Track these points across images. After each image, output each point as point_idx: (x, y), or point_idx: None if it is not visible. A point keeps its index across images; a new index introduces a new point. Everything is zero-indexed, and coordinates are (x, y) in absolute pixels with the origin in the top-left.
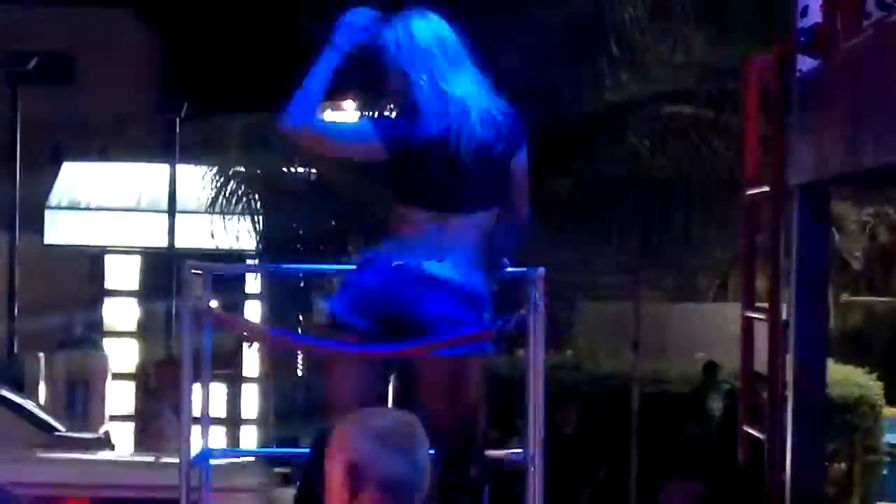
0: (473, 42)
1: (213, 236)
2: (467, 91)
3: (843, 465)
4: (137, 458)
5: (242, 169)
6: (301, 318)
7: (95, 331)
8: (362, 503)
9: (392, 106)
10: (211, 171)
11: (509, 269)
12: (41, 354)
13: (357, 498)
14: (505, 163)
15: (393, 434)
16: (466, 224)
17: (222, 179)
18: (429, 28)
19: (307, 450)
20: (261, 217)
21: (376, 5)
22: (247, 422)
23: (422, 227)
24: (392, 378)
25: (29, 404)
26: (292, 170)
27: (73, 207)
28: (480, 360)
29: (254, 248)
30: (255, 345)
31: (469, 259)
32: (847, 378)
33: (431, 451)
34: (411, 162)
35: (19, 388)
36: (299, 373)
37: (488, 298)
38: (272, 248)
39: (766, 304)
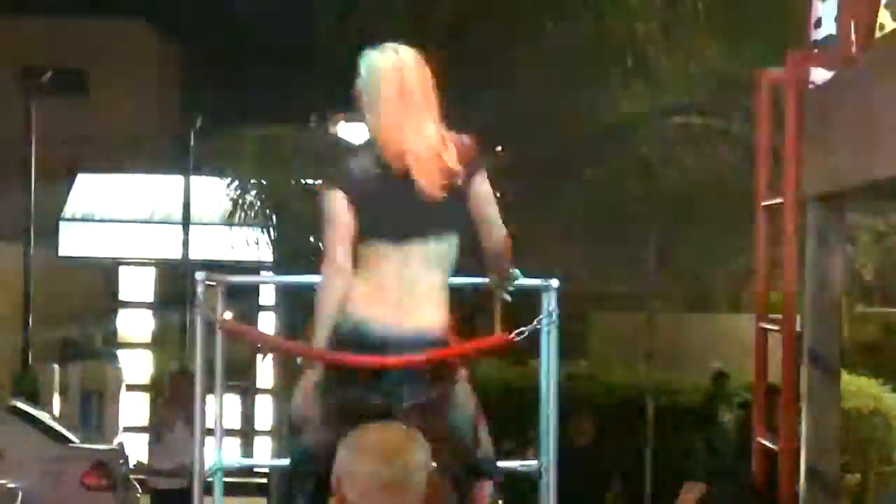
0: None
1: (232, 247)
2: (416, 125)
3: (857, 476)
4: None
5: (256, 181)
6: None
7: (110, 342)
8: None
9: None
10: (226, 182)
11: (522, 279)
12: (56, 366)
13: (346, 502)
14: (457, 193)
15: (378, 444)
16: (426, 252)
17: (238, 191)
18: (389, 61)
19: None
20: (275, 229)
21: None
22: (260, 433)
23: (384, 260)
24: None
25: (43, 415)
26: (306, 181)
27: (87, 219)
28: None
29: (268, 259)
30: (269, 356)
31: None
32: (861, 390)
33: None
34: (367, 200)
35: (34, 399)
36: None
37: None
38: (286, 259)
39: (780, 316)
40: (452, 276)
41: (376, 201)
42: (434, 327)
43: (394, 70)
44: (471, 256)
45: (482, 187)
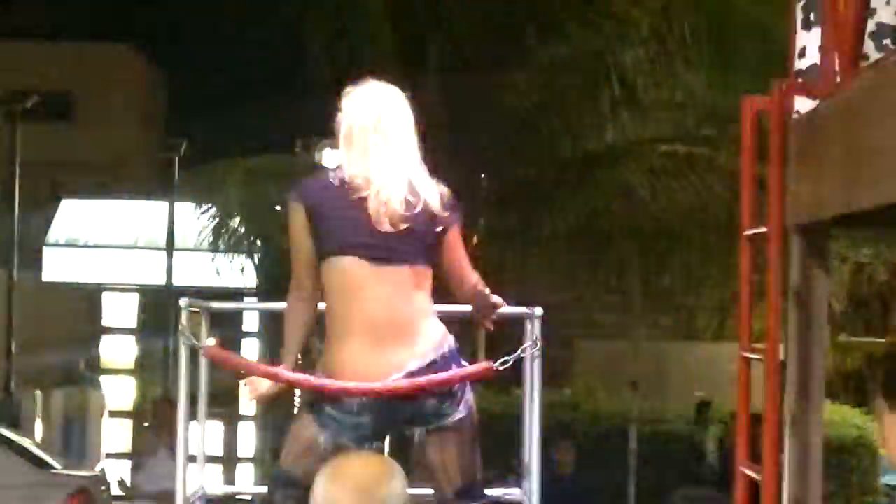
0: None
1: (218, 274)
2: (387, 159)
3: None
4: None
5: (240, 207)
6: (299, 357)
7: (92, 368)
8: None
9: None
10: (209, 209)
11: (506, 308)
12: (38, 392)
13: None
14: (427, 238)
15: (354, 475)
16: (403, 273)
17: (221, 218)
18: (370, 95)
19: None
20: (258, 255)
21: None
22: (243, 460)
23: (357, 279)
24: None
25: (25, 441)
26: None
27: (71, 244)
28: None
29: (252, 286)
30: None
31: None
32: (845, 419)
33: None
34: (325, 211)
35: (15, 425)
36: (296, 411)
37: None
38: (270, 286)
39: (763, 345)
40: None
41: (335, 214)
42: (420, 353)
43: (373, 104)
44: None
45: (457, 240)
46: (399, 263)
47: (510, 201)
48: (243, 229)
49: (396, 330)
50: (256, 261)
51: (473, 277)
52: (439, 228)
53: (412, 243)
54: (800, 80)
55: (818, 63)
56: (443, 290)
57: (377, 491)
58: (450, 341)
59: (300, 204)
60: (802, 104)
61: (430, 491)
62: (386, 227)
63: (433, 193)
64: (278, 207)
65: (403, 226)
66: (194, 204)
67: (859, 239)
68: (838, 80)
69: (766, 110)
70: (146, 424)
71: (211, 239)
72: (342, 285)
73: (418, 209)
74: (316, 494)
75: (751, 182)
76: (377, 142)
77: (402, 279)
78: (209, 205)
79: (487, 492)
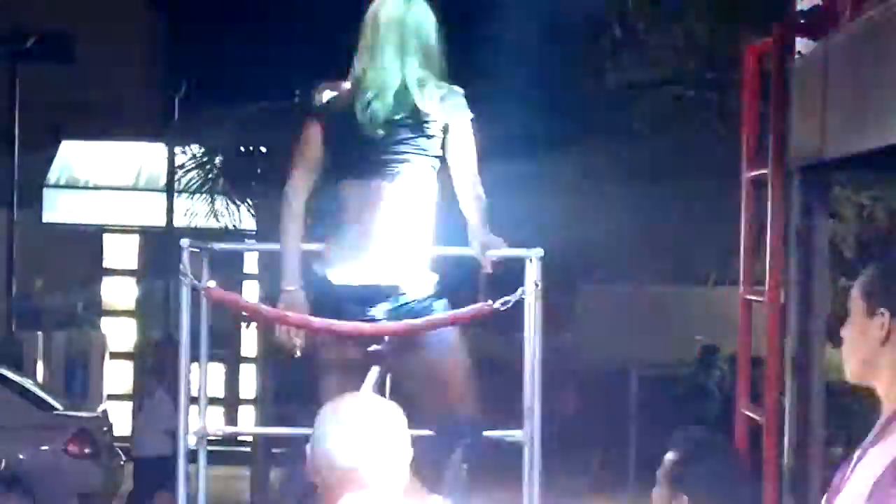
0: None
1: (216, 217)
2: (386, 63)
3: (840, 449)
4: None
5: (241, 149)
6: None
7: (93, 310)
8: (323, 483)
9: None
10: (210, 150)
11: (506, 249)
12: (39, 333)
13: (320, 476)
14: (429, 133)
15: (353, 420)
16: (395, 191)
17: (221, 159)
18: (395, 9)
19: (305, 430)
20: (258, 197)
21: None
22: (244, 402)
23: (355, 200)
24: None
25: (27, 383)
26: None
27: (71, 186)
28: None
29: (252, 228)
30: (253, 324)
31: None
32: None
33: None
34: (336, 132)
35: (17, 366)
36: (297, 352)
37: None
38: (271, 227)
39: (764, 287)
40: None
41: (347, 137)
42: (414, 277)
43: (396, 16)
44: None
45: (461, 137)
46: (392, 178)
47: (513, 145)
48: (243, 171)
49: (394, 255)
50: (256, 202)
51: (474, 190)
52: (440, 123)
53: (407, 145)
54: (801, 20)
55: (820, 3)
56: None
57: (378, 431)
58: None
59: (316, 121)
60: (804, 46)
61: (429, 432)
62: (379, 131)
63: (433, 88)
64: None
65: (396, 124)
66: (193, 146)
67: (861, 182)
68: (840, 20)
69: (767, 52)
70: (147, 367)
71: (211, 180)
72: (342, 207)
73: (413, 101)
74: (316, 436)
75: (753, 124)
76: (394, 50)
77: (402, 195)
78: (207, 147)
79: (488, 433)
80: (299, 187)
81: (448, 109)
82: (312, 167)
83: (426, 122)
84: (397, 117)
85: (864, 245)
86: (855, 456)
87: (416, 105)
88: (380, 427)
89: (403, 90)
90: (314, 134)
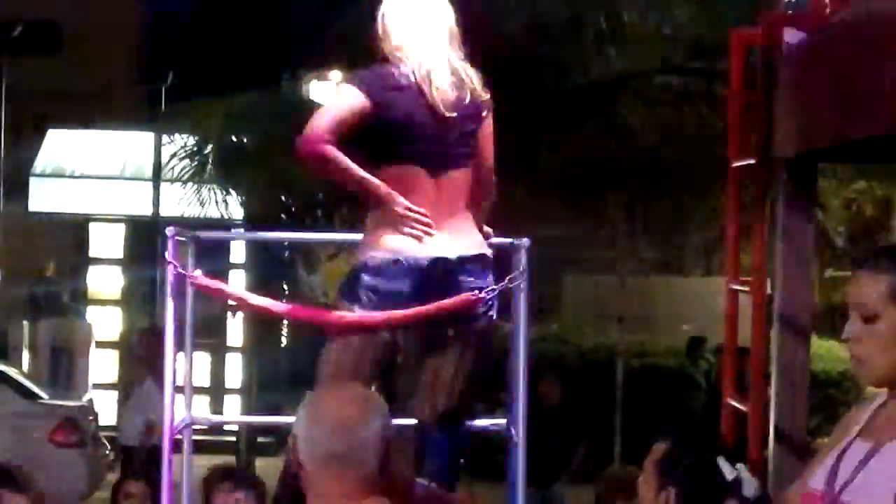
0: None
1: (202, 205)
2: (437, 51)
3: (826, 440)
4: None
5: (230, 138)
6: (286, 288)
7: (79, 299)
8: (306, 475)
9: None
10: (197, 140)
11: (493, 238)
12: (25, 322)
13: (302, 470)
14: (473, 125)
15: (333, 412)
16: (457, 181)
17: (209, 148)
18: None
19: (290, 419)
20: (246, 187)
21: None
22: (230, 391)
23: (417, 188)
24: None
25: (12, 371)
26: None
27: (57, 175)
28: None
29: (239, 217)
30: (240, 314)
31: (466, 218)
32: (830, 353)
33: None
34: (395, 113)
35: (2, 355)
36: (283, 342)
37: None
38: (258, 217)
39: (750, 278)
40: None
41: (393, 115)
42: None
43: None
44: None
45: (490, 129)
46: (455, 168)
47: (498, 133)
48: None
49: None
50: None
51: (492, 184)
52: (484, 113)
53: (464, 136)
54: (789, 11)
55: None
56: None
57: (357, 428)
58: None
59: (362, 93)
60: (791, 37)
61: (413, 421)
62: (442, 114)
63: (475, 75)
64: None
65: (454, 113)
66: (181, 134)
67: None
68: (828, 11)
69: (754, 42)
70: (133, 356)
71: (198, 169)
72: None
73: (466, 93)
74: (299, 426)
75: (739, 114)
76: (428, 32)
77: (457, 189)
78: (196, 135)
79: (475, 423)
80: (329, 134)
81: (488, 101)
82: (339, 132)
83: (480, 109)
84: (465, 101)
85: (851, 236)
86: (860, 448)
87: (472, 90)
88: (362, 417)
89: (460, 74)
90: (358, 105)
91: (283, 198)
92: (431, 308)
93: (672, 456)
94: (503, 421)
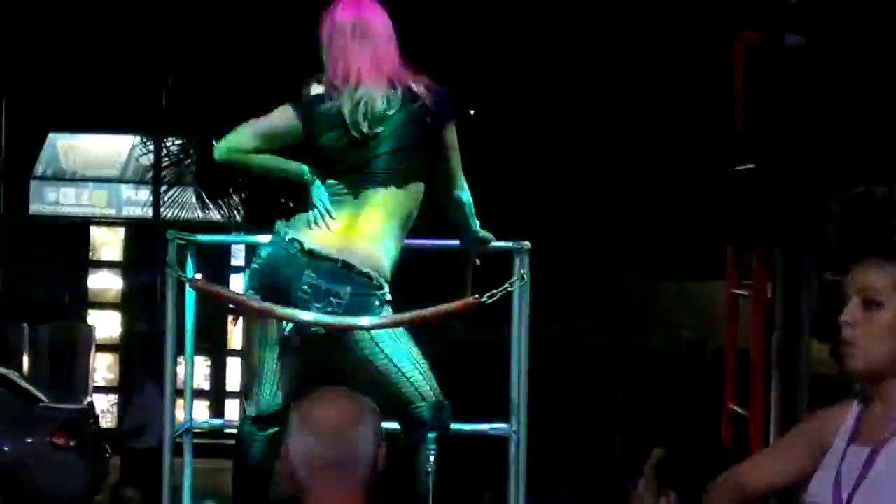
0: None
1: (203, 208)
2: (366, 70)
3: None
4: None
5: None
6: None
7: (80, 302)
8: (299, 481)
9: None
10: (197, 143)
11: (494, 242)
12: (25, 325)
13: (295, 476)
14: (420, 139)
15: (328, 419)
16: (377, 196)
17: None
18: (350, 11)
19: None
20: (246, 189)
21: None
22: (230, 394)
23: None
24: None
25: (12, 374)
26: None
27: (58, 177)
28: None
29: (239, 220)
30: (240, 319)
31: (374, 232)
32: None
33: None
34: (319, 132)
35: (3, 358)
36: None
37: (381, 272)
38: (258, 220)
39: (751, 282)
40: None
41: (328, 136)
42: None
43: (352, 17)
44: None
45: (451, 138)
46: (379, 185)
47: (500, 136)
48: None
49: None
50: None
51: (463, 195)
52: (438, 130)
53: (395, 150)
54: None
55: None
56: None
57: (352, 434)
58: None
59: (292, 109)
60: (791, 40)
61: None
62: (365, 130)
63: (432, 90)
64: None
65: (381, 128)
66: (182, 137)
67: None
68: (828, 16)
69: (755, 46)
70: (133, 359)
71: (198, 172)
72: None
73: (401, 104)
74: (289, 440)
75: (740, 117)
76: (358, 47)
77: (385, 203)
78: (196, 138)
79: (474, 427)
80: (245, 144)
81: (444, 114)
82: (262, 139)
83: (416, 118)
84: (390, 113)
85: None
86: (858, 453)
87: (405, 101)
88: (356, 422)
89: (390, 87)
90: (287, 117)
91: (282, 200)
92: (431, 311)
93: (670, 461)
94: (504, 426)
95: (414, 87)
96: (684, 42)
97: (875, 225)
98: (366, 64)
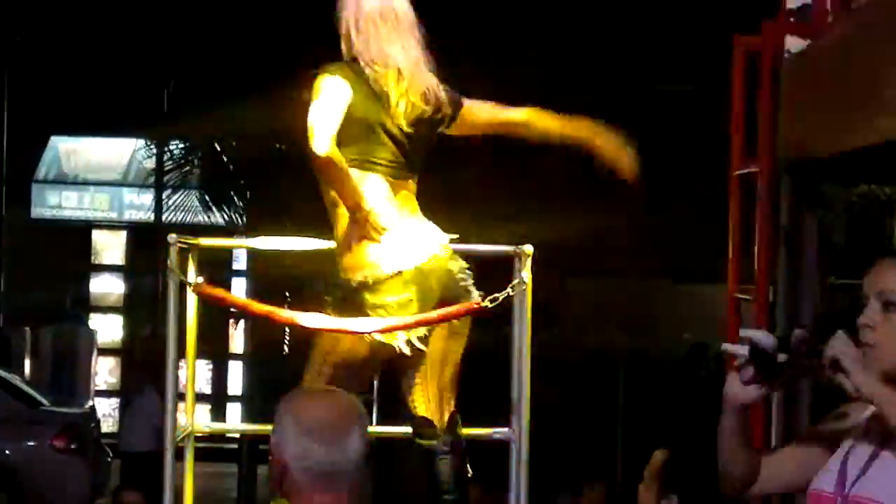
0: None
1: (206, 211)
2: (405, 60)
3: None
4: None
5: (231, 144)
6: (288, 295)
7: (82, 305)
8: (291, 483)
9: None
10: (198, 146)
11: (496, 246)
12: (27, 329)
13: (286, 478)
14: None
15: (321, 425)
16: (409, 184)
17: (210, 155)
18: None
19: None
20: (248, 193)
21: None
22: (232, 399)
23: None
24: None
25: (14, 378)
26: (280, 146)
27: (60, 181)
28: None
29: (241, 224)
30: (241, 322)
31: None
32: None
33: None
34: (353, 127)
35: (5, 362)
36: (285, 349)
37: None
38: (260, 224)
39: (753, 286)
40: None
41: (359, 117)
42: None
43: (379, 3)
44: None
45: (475, 103)
46: (412, 176)
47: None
48: (232, 167)
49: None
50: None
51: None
52: (457, 112)
53: (424, 147)
54: (791, 19)
55: (810, 2)
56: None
57: (347, 437)
58: None
59: (344, 80)
60: (794, 44)
61: (407, 429)
62: (405, 128)
63: (441, 93)
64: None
65: (420, 125)
66: (184, 140)
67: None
68: (831, 18)
69: (756, 48)
70: (134, 363)
71: (200, 175)
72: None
73: (433, 102)
74: (278, 440)
75: (741, 122)
76: (390, 31)
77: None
78: (198, 141)
79: (476, 431)
80: (332, 138)
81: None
82: (337, 125)
83: (442, 118)
84: (426, 112)
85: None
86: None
87: (438, 100)
88: (351, 425)
89: (423, 73)
90: (347, 99)
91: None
92: (435, 314)
93: (672, 464)
94: (506, 430)
95: (439, 93)
96: (684, 42)
97: (880, 226)
98: (400, 55)
